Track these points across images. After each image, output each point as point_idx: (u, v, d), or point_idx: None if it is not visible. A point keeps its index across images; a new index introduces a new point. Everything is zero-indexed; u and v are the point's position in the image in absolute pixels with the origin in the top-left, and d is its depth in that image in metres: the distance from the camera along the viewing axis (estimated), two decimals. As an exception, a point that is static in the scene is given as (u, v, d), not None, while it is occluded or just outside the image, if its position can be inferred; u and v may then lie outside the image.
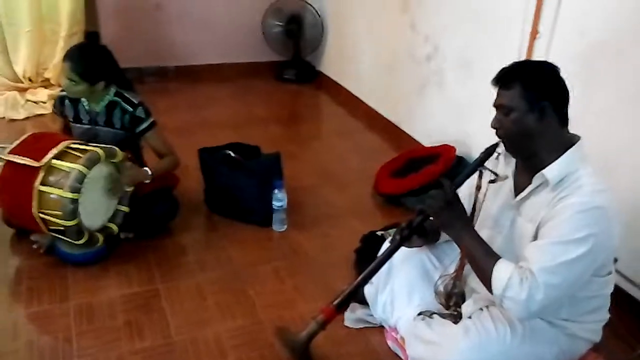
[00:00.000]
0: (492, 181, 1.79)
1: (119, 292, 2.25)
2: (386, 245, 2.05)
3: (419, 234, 1.91)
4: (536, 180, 1.66)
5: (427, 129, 3.47)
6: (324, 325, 1.90)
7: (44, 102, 4.02)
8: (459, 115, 3.20)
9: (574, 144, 1.65)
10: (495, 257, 1.65)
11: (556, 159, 1.63)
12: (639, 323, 2.14)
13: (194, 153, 2.87)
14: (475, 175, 1.82)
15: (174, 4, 4.56)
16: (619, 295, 1.95)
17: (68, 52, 2.41)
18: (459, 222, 1.74)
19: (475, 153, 3.06)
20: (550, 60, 1.71)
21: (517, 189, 1.76)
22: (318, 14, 4.74)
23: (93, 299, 2.21)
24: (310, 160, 3.52)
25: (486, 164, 1.81)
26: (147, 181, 2.46)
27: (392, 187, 3.02)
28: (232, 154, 2.84)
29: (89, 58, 2.39)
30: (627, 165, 2.19)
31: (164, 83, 4.60)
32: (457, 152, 3.05)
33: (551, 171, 1.62)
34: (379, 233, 2.53)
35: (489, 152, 1.79)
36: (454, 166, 2.95)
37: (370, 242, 2.50)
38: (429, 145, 3.34)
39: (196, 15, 4.63)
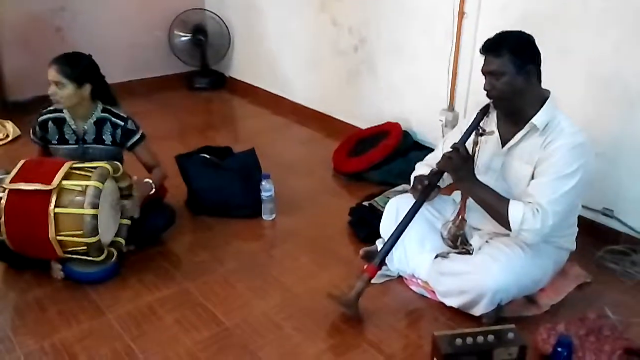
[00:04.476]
0: (486, 134, 2.18)
1: (152, 297, 2.32)
2: (393, 205, 2.38)
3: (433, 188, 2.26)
4: (527, 127, 2.07)
5: (363, 113, 3.81)
6: (369, 282, 2.18)
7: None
8: (394, 95, 3.59)
9: (548, 97, 2.08)
10: (506, 200, 2.03)
11: (538, 109, 2.05)
12: (592, 235, 2.63)
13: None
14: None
15: (74, 26, 4.48)
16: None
17: (54, 57, 2.45)
18: (471, 176, 2.11)
19: (415, 127, 3.49)
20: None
21: (503, 139, 2.17)
22: (223, 22, 4.90)
23: (130, 307, 2.26)
24: (260, 155, 3.68)
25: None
26: (152, 192, 2.55)
27: (354, 165, 3.34)
28: (208, 157, 2.98)
29: (75, 59, 2.46)
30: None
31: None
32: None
33: (538, 119, 2.04)
34: (365, 203, 2.84)
35: (484, 112, 2.18)
36: (402, 139, 3.34)
37: (359, 213, 2.80)
38: (367, 127, 3.69)
39: (99, 34, 4.57)
